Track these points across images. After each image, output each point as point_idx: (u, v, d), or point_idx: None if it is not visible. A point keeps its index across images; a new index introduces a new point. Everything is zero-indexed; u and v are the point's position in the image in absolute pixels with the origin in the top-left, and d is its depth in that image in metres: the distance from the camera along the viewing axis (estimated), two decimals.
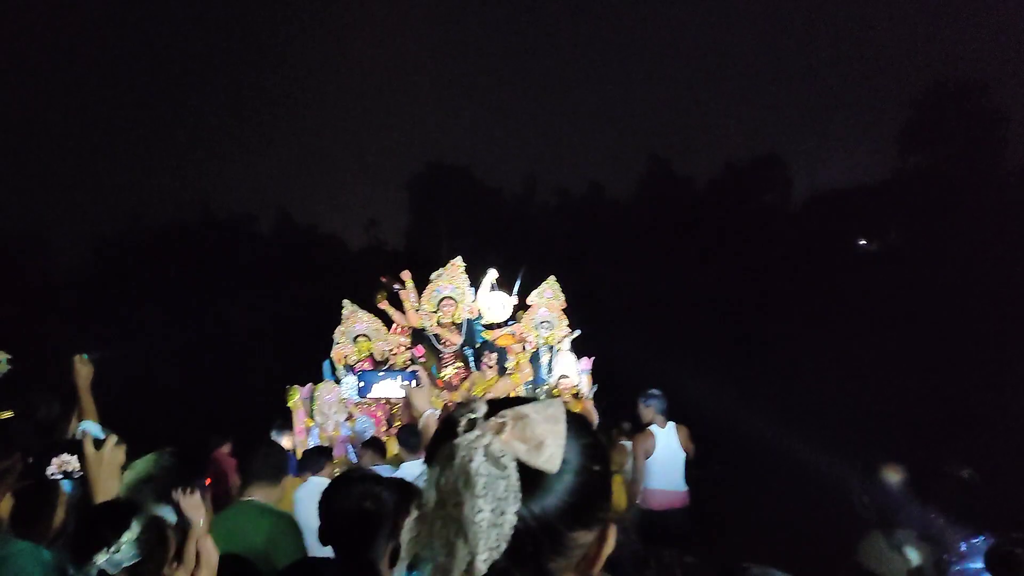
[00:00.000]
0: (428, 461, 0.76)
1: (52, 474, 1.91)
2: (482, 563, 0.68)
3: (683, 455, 5.34)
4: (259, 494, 2.73)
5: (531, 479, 0.71)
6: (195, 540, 2.24)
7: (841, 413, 8.11)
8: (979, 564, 2.32)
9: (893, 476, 3.87)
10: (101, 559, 1.61)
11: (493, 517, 0.68)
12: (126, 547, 1.66)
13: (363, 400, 6.47)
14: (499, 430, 0.72)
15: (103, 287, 9.87)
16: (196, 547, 2.21)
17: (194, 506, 2.32)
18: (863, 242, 14.87)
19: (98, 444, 1.95)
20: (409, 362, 6.95)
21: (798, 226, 12.92)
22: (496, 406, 0.76)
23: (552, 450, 0.72)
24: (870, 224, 12.71)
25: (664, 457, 5.26)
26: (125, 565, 1.65)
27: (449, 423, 0.75)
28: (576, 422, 0.78)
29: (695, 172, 15.04)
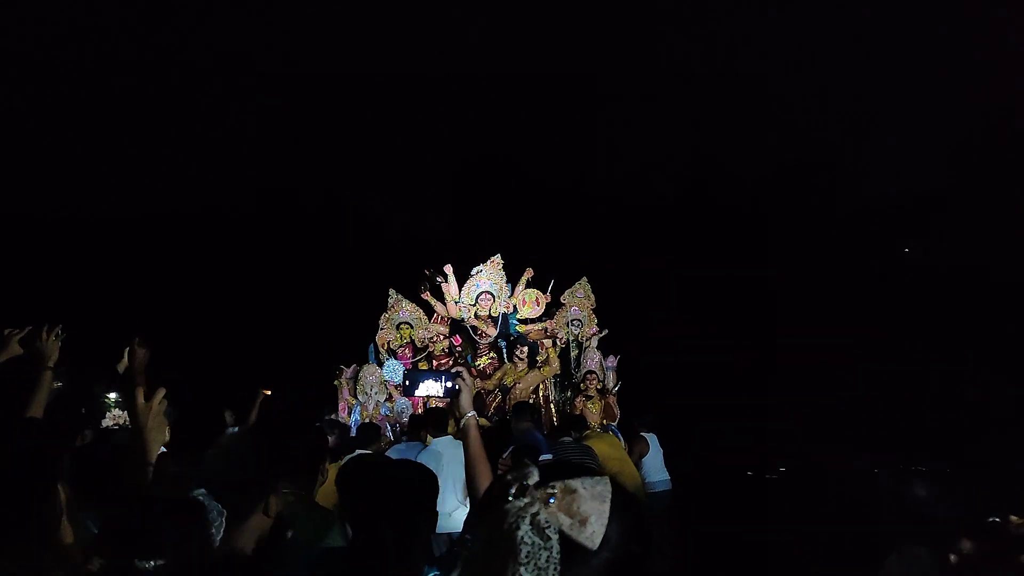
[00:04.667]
0: (480, 515, 0.81)
1: (107, 426, 2.01)
2: None
3: None
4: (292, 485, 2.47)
5: (571, 551, 0.73)
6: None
7: (875, 422, 8.18)
8: None
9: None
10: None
11: None
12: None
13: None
14: (547, 500, 0.75)
15: (152, 267, 10.45)
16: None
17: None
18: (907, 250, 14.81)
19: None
20: (447, 351, 7.42)
21: (843, 232, 12.83)
22: (548, 475, 0.79)
23: (595, 528, 0.74)
24: (916, 233, 12.60)
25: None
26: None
27: (502, 485, 0.78)
28: (622, 501, 0.78)
29: (741, 176, 14.85)
